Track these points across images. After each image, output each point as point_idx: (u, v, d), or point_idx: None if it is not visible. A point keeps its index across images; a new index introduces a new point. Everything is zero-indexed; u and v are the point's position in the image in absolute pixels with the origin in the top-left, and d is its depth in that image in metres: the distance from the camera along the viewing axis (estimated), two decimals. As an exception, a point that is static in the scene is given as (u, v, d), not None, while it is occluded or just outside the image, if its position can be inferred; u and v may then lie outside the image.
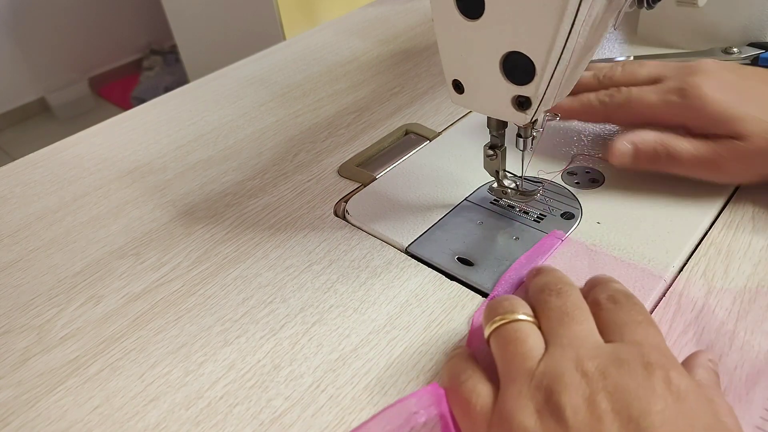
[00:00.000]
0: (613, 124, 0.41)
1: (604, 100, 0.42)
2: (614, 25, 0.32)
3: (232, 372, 0.32)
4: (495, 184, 0.42)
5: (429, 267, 0.38)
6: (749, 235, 0.37)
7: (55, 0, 2.27)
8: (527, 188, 0.41)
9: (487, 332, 0.29)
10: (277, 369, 0.32)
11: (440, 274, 0.37)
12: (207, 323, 0.35)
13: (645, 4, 0.31)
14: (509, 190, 0.41)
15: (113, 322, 0.36)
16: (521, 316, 0.29)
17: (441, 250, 0.39)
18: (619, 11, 0.31)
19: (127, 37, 2.55)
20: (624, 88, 0.42)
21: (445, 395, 0.28)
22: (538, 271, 0.33)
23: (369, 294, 0.36)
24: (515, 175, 0.42)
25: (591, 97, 0.43)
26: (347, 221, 0.42)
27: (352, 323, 0.34)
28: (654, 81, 0.41)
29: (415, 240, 0.40)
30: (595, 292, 0.30)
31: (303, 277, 0.38)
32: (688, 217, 0.39)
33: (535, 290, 0.31)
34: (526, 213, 0.41)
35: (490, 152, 0.39)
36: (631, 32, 0.63)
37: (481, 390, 0.27)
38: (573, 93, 0.44)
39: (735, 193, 0.41)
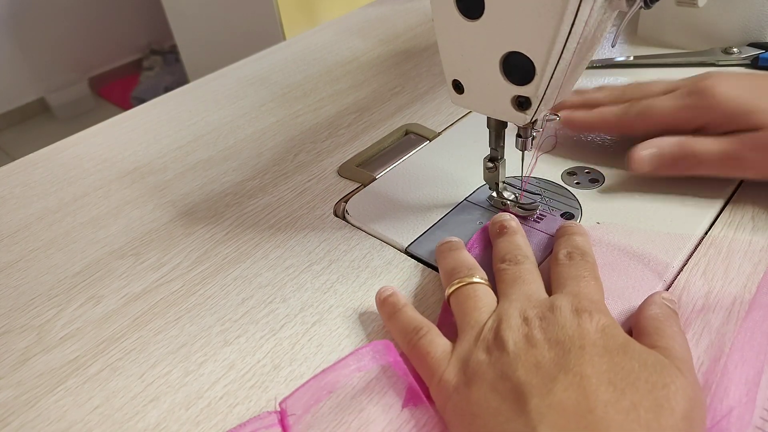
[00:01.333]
0: (630, 134, 0.42)
1: (620, 112, 0.43)
2: (612, 44, 0.33)
3: (232, 372, 0.32)
4: (495, 194, 0.41)
5: (429, 267, 0.38)
6: (749, 235, 0.37)
7: (55, 0, 2.27)
8: (527, 201, 0.40)
9: (447, 293, 0.33)
10: (277, 369, 0.32)
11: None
12: (207, 323, 0.35)
13: (643, 4, 0.31)
14: (509, 202, 0.41)
15: (113, 322, 0.36)
16: (476, 279, 0.33)
17: (441, 250, 0.38)
18: (622, 13, 0.31)
19: (127, 37, 2.55)
20: (641, 100, 0.42)
21: (403, 348, 0.32)
22: (501, 230, 0.37)
23: (369, 294, 0.36)
24: (516, 188, 0.42)
25: (607, 109, 0.43)
26: (347, 221, 0.42)
27: (352, 323, 0.34)
28: (667, 93, 0.42)
29: (415, 240, 0.40)
30: (558, 244, 0.36)
31: (303, 277, 0.38)
32: (688, 217, 0.39)
33: (496, 258, 0.35)
34: (526, 213, 0.41)
35: (490, 165, 0.39)
36: (631, 32, 0.63)
37: (439, 341, 0.31)
38: (589, 107, 0.45)
39: (735, 193, 0.41)
